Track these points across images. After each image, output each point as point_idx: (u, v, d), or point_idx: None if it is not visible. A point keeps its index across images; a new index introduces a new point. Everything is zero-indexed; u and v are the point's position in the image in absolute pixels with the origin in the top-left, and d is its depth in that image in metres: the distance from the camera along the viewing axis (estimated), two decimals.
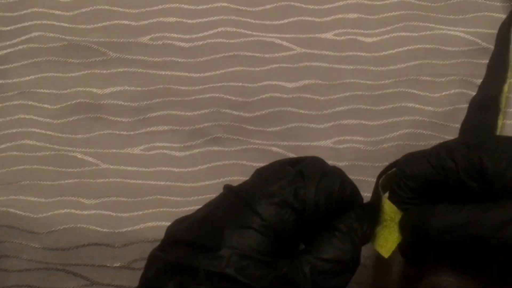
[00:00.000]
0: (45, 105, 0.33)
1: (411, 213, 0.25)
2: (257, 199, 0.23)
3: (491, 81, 0.33)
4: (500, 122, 0.31)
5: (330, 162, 0.26)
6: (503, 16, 0.36)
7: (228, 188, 0.25)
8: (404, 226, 0.25)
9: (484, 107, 0.32)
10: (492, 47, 0.35)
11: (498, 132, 0.31)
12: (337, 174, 0.25)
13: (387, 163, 0.28)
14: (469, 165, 0.24)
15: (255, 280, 0.22)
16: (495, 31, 0.35)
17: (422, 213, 0.25)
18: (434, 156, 0.25)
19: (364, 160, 0.32)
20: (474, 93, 0.34)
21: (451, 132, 0.33)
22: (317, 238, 0.24)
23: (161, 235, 0.29)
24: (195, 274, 0.21)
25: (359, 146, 0.32)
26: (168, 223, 0.30)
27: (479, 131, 0.31)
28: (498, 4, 0.36)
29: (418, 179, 0.25)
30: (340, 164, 0.32)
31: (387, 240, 0.25)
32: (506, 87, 0.32)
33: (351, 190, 0.25)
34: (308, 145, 0.32)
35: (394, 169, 0.27)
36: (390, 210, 0.26)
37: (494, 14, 0.36)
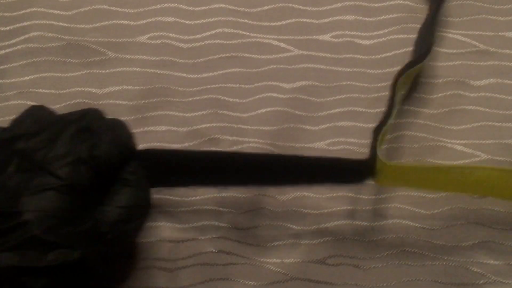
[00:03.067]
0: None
1: None
2: (51, 161, 0.24)
3: None
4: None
5: None
6: (502, 18, 0.36)
7: (18, 153, 0.25)
8: None
9: None
10: (491, 49, 0.35)
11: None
12: (121, 125, 0.27)
13: None
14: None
15: (63, 237, 0.23)
16: (493, 34, 0.36)
17: None
18: None
19: None
20: (471, 95, 0.34)
21: (446, 134, 0.33)
22: (112, 189, 0.25)
23: (160, 235, 0.30)
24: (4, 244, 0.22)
25: (353, 148, 0.33)
26: (167, 223, 0.30)
27: None
28: (496, 6, 0.36)
29: None
30: None
31: None
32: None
33: (132, 139, 0.27)
34: (303, 146, 0.32)
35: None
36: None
37: (492, 17, 0.36)
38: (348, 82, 0.34)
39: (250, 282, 0.29)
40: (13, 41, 0.35)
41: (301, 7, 0.36)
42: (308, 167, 0.28)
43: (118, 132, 0.26)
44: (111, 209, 0.25)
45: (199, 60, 0.35)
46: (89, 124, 0.26)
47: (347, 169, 0.28)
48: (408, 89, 0.33)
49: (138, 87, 0.34)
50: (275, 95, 0.34)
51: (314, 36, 0.35)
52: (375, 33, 0.35)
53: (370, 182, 0.28)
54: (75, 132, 0.25)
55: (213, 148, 0.33)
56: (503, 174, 0.28)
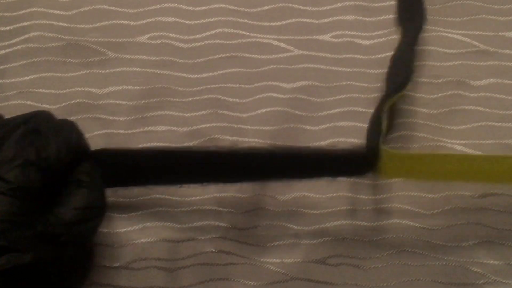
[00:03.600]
0: (44, 105, 0.34)
1: None
2: None
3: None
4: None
5: None
6: (502, 18, 0.36)
7: None
8: None
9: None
10: (491, 49, 0.35)
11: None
12: (70, 126, 0.27)
13: None
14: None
15: (14, 240, 0.23)
16: (493, 34, 0.36)
17: None
18: None
19: None
20: (471, 95, 0.34)
21: (446, 134, 0.33)
22: (65, 191, 0.25)
23: (160, 235, 0.30)
24: None
25: None
26: (167, 223, 0.30)
27: None
28: (496, 6, 0.36)
29: None
30: None
31: None
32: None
33: (83, 139, 0.27)
34: (303, 146, 0.32)
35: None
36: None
37: (492, 17, 0.36)
38: (348, 82, 0.34)
39: (250, 282, 0.29)
40: (13, 41, 0.35)
41: (301, 7, 0.36)
42: (304, 159, 0.28)
43: (67, 133, 0.26)
44: (65, 211, 0.25)
45: (199, 60, 0.35)
46: (37, 126, 0.25)
47: (348, 158, 0.28)
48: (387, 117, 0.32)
49: (138, 87, 0.34)
50: (275, 95, 0.34)
51: (314, 36, 0.35)
52: (375, 33, 0.35)
53: (372, 177, 0.28)
54: (23, 134, 0.25)
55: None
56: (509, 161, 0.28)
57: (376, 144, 0.28)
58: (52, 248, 0.24)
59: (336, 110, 0.33)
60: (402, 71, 0.32)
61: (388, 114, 0.29)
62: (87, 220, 0.25)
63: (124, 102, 0.34)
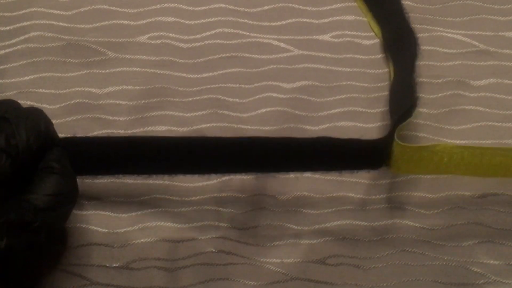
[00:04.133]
0: (44, 105, 0.34)
1: None
2: None
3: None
4: None
5: None
6: (502, 18, 0.36)
7: None
8: None
9: None
10: (491, 49, 0.35)
11: None
12: (39, 114, 0.27)
13: None
14: None
15: None
16: (493, 34, 0.36)
17: None
18: None
19: None
20: (471, 95, 0.34)
21: (446, 134, 0.33)
22: (36, 178, 0.26)
23: (160, 235, 0.30)
24: None
25: None
26: (167, 223, 0.30)
27: None
28: (496, 6, 0.36)
29: None
30: None
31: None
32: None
33: (52, 127, 0.27)
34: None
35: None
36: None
37: (492, 17, 0.36)
38: (348, 82, 0.34)
39: (250, 282, 0.29)
40: (13, 41, 0.35)
41: (301, 7, 0.36)
42: (316, 149, 0.28)
43: (36, 120, 0.26)
44: (37, 197, 0.25)
45: (199, 60, 0.35)
46: (5, 114, 0.26)
47: (362, 150, 0.28)
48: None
49: (138, 87, 0.34)
50: (275, 95, 0.34)
51: (314, 36, 0.35)
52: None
53: (384, 170, 0.28)
54: None
55: None
56: None
57: (389, 137, 0.28)
58: (25, 234, 0.24)
59: (336, 110, 0.33)
60: (405, 101, 0.32)
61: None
62: (59, 206, 0.26)
63: (124, 102, 0.34)
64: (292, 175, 0.31)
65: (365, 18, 0.36)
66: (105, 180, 0.32)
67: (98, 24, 0.36)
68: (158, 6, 0.36)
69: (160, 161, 0.28)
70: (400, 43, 0.34)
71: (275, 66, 0.35)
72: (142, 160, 0.28)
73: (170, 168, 0.29)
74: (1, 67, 0.34)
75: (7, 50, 0.35)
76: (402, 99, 0.32)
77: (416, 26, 0.35)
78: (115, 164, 0.29)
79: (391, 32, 0.35)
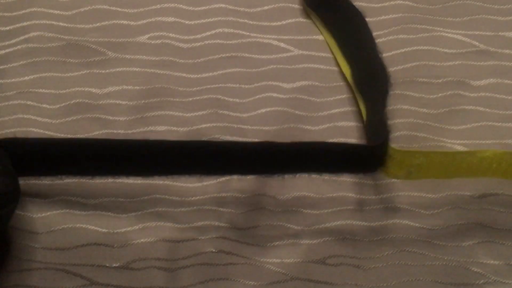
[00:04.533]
0: (44, 105, 0.34)
1: None
2: None
3: None
4: None
5: None
6: (502, 18, 0.36)
7: None
8: None
9: None
10: (491, 49, 0.35)
11: None
12: None
13: None
14: None
15: None
16: (493, 34, 0.36)
17: None
18: None
19: None
20: (471, 95, 0.34)
21: (446, 134, 0.33)
22: None
23: (160, 235, 0.30)
24: None
25: None
26: (167, 223, 0.30)
27: None
28: (496, 6, 0.36)
29: None
30: None
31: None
32: None
33: None
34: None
35: None
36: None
37: (492, 17, 0.36)
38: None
39: (250, 282, 0.29)
40: (13, 41, 0.35)
41: (301, 7, 0.36)
42: (311, 153, 0.28)
43: None
44: None
45: (199, 60, 0.35)
46: None
47: (356, 154, 0.28)
48: None
49: (138, 87, 0.34)
50: (275, 95, 0.34)
51: (314, 36, 0.35)
52: (374, 33, 0.35)
53: (379, 174, 0.28)
54: None
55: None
56: None
57: (384, 141, 0.28)
58: None
59: (336, 110, 0.33)
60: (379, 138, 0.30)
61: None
62: (1, 207, 0.26)
63: (124, 102, 0.34)
64: (292, 175, 0.31)
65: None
66: (106, 180, 0.32)
67: (98, 24, 0.36)
68: (158, 6, 0.36)
69: (103, 163, 0.28)
70: (371, 80, 0.33)
71: (275, 66, 0.35)
72: (84, 162, 0.28)
73: (112, 170, 0.29)
74: (1, 67, 0.34)
75: (7, 50, 0.35)
76: (377, 136, 0.31)
77: (416, 26, 0.35)
78: (57, 165, 0.29)
79: (362, 68, 0.33)
